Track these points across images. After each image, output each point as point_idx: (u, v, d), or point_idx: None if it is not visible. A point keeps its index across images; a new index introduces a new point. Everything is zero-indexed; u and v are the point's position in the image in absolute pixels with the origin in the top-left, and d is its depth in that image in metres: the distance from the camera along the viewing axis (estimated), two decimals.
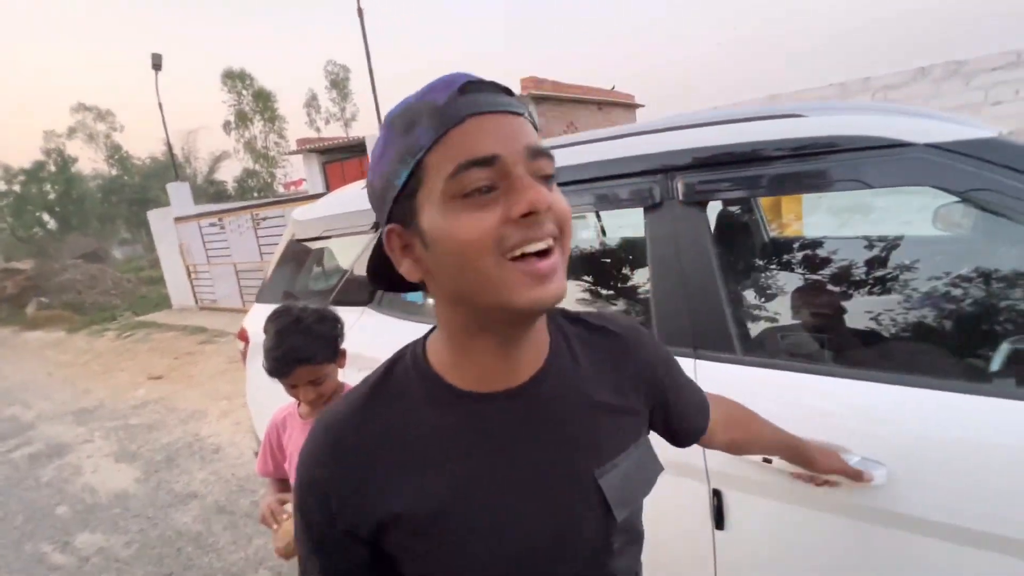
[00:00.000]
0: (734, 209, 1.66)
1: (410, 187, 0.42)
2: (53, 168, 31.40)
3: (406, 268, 0.46)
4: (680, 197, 1.11)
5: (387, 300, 1.67)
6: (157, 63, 9.04)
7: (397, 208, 0.44)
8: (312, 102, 33.39)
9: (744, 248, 1.55)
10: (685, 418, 0.65)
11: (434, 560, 0.46)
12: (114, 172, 32.98)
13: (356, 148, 13.12)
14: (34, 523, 2.92)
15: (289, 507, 1.08)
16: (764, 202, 2.41)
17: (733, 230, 1.53)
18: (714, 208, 1.62)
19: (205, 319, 8.15)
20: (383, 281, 0.54)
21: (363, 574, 0.48)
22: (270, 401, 2.00)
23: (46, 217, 32.25)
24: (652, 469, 0.56)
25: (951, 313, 1.19)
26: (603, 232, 2.37)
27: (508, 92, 0.44)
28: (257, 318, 2.12)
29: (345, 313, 1.36)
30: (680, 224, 1.11)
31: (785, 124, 1.04)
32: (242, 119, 30.35)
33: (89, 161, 32.52)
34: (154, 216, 9.44)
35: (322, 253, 2.14)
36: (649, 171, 1.14)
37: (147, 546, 2.55)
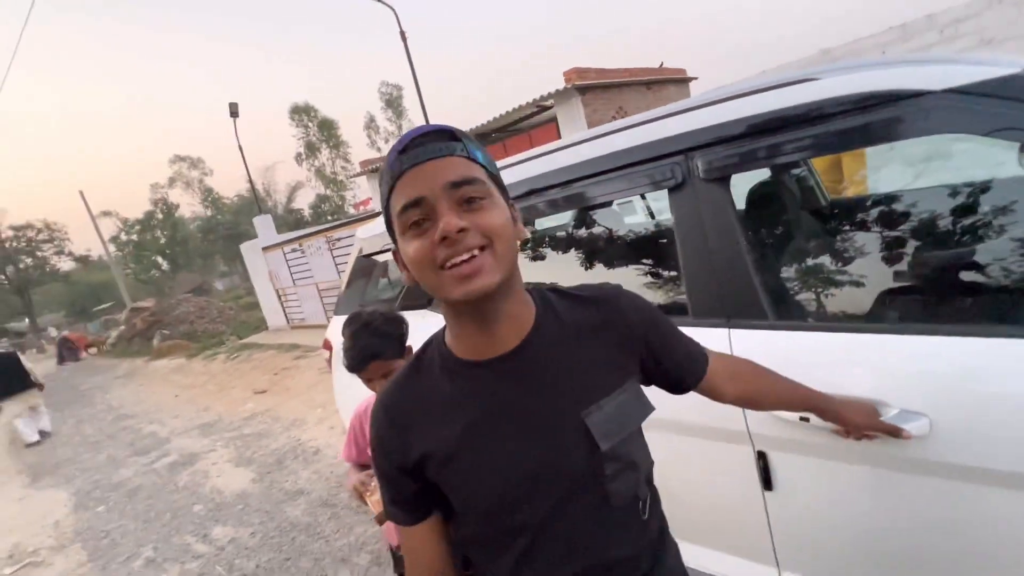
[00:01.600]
0: (773, 178, 1.65)
1: (388, 222, 0.61)
2: (160, 216, 35.51)
3: (406, 277, 0.62)
4: (701, 175, 1.15)
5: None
6: (234, 111, 10.07)
7: (391, 235, 0.61)
8: (371, 124, 35.19)
9: (781, 216, 1.54)
10: (678, 367, 0.74)
11: (455, 487, 0.62)
12: (208, 212, 36.66)
13: None
14: (179, 520, 3.43)
15: (375, 481, 1.25)
16: (819, 164, 2.32)
17: (767, 200, 1.52)
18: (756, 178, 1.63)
19: (296, 337, 8.95)
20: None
21: (415, 498, 0.66)
22: (355, 398, 2.25)
23: (159, 259, 36.57)
24: (638, 409, 0.67)
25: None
26: (651, 214, 2.39)
27: (449, 136, 0.58)
28: (337, 329, 2.38)
29: (409, 315, 1.53)
30: (704, 201, 1.15)
31: (798, 90, 1.05)
32: (311, 149, 32.64)
33: (187, 205, 36.46)
34: (246, 248, 10.50)
35: (387, 265, 2.36)
36: (668, 154, 1.19)
37: (267, 536, 2.92)
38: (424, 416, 0.63)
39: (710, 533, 1.21)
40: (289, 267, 9.23)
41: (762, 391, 0.84)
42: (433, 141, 0.57)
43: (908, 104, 0.92)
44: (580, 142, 1.40)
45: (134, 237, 34.40)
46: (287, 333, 9.71)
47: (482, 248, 0.55)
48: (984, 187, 1.52)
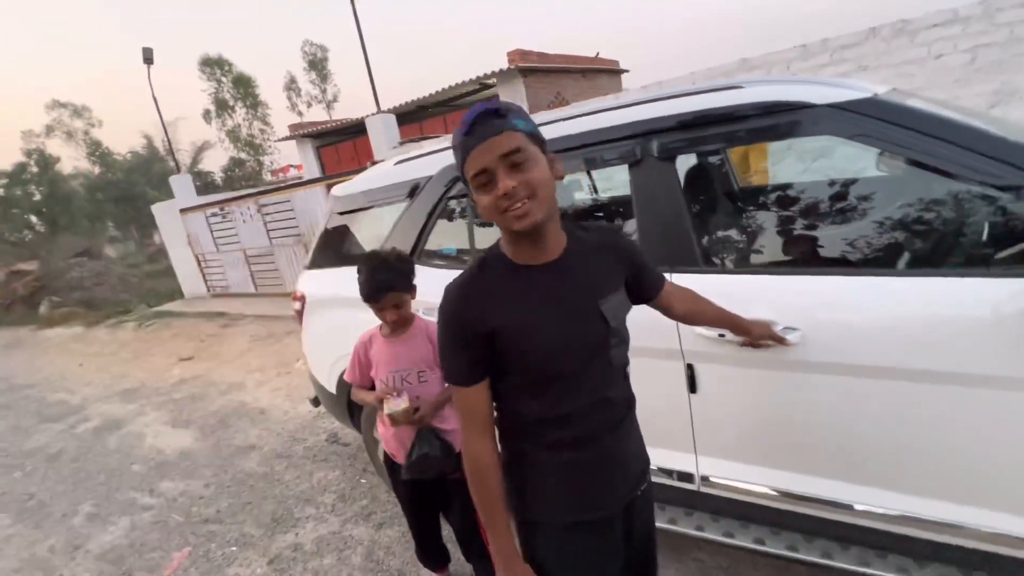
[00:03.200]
0: (704, 162, 2.04)
1: (464, 180, 0.88)
2: (35, 169, 30.89)
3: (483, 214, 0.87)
4: (655, 154, 1.48)
5: (425, 255, 2.05)
6: (148, 57, 9.12)
7: (467, 189, 0.88)
8: (292, 85, 32.85)
9: (710, 192, 1.94)
10: (647, 281, 1.09)
11: (518, 347, 0.89)
12: (97, 169, 32.47)
13: (349, 131, 13.22)
14: (116, 479, 3.35)
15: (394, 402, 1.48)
16: (734, 155, 2.79)
17: (701, 179, 1.92)
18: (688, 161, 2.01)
19: (220, 305, 8.51)
20: None
21: (479, 362, 0.91)
22: (322, 349, 2.41)
23: (34, 219, 31.90)
24: (627, 305, 1.01)
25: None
26: (595, 190, 2.74)
27: (496, 114, 0.83)
28: (310, 282, 2.50)
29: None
30: (656, 175, 1.49)
31: (730, 94, 1.40)
32: (223, 107, 29.89)
33: (70, 160, 32.03)
34: (159, 209, 9.66)
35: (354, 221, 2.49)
36: (632, 136, 1.51)
37: (223, 486, 2.98)
38: (494, 299, 0.89)
39: (647, 426, 1.59)
40: (212, 232, 8.69)
41: (698, 311, 1.20)
42: (487, 121, 0.82)
43: (801, 113, 1.30)
44: (553, 121, 1.68)
45: (0, 192, 29.66)
46: (207, 301, 9.16)
47: (529, 197, 0.81)
48: (847, 181, 2.02)
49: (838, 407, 1.28)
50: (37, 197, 30.73)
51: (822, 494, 1.34)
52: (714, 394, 1.45)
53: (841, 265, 1.51)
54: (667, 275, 1.44)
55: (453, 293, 0.91)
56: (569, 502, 0.97)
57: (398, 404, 1.43)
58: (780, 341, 1.25)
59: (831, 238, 1.62)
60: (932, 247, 1.45)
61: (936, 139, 1.16)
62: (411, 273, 1.53)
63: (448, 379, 0.95)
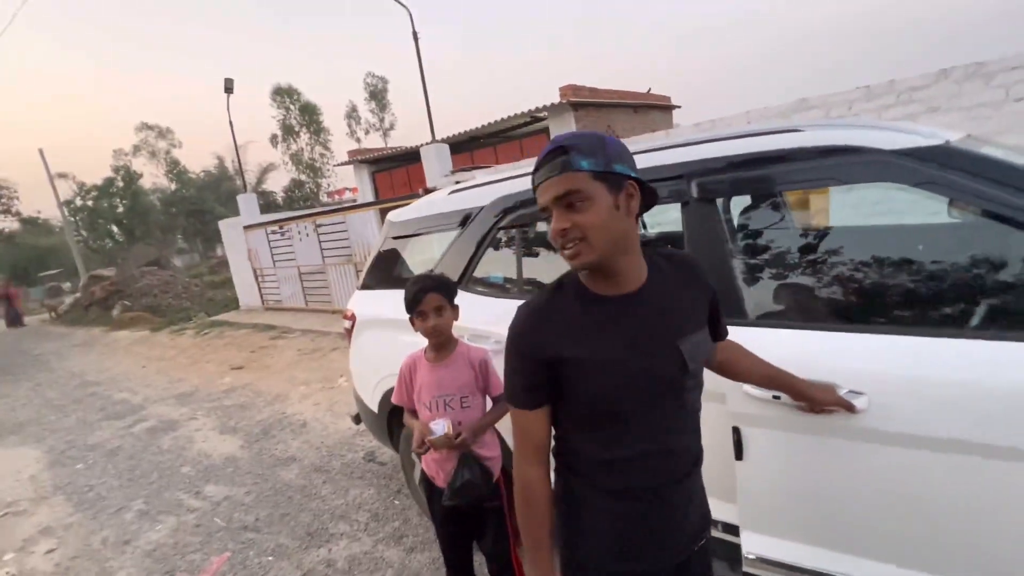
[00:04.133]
0: (759, 205, 2.01)
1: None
2: (121, 184, 33.86)
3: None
4: (706, 195, 1.47)
5: (472, 282, 2.10)
6: (229, 87, 9.98)
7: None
8: (352, 113, 34.84)
9: (764, 236, 1.90)
10: (719, 325, 1.05)
11: (578, 381, 0.87)
12: (173, 186, 35.24)
13: (403, 158, 13.82)
14: (166, 478, 3.52)
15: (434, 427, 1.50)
16: (792, 199, 2.72)
17: (755, 222, 1.88)
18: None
19: (272, 318, 8.92)
20: None
21: (540, 387, 0.89)
22: (367, 368, 2.47)
23: (115, 229, 34.78)
24: (709, 346, 0.97)
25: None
26: (644, 226, 2.73)
27: (564, 151, 0.83)
28: (361, 302, 2.60)
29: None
30: (707, 217, 1.47)
31: (787, 137, 1.39)
32: (289, 132, 31.99)
33: (150, 176, 34.98)
34: (225, 225, 10.36)
35: (406, 247, 2.58)
36: (684, 175, 1.51)
37: (263, 495, 3.07)
38: (563, 326, 0.87)
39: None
40: (271, 248, 9.20)
41: (737, 361, 1.14)
42: (552, 160, 0.83)
43: (865, 157, 1.26)
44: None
45: (89, 203, 32.65)
46: (261, 314, 9.64)
47: (580, 239, 0.82)
48: (918, 229, 1.92)
49: (908, 483, 1.16)
50: (120, 209, 33.63)
51: None
52: (762, 461, 1.34)
53: (910, 323, 1.41)
54: None
55: (522, 314, 0.91)
56: (619, 551, 0.93)
57: (439, 429, 1.45)
58: (848, 408, 1.15)
59: (893, 291, 1.54)
60: (1011, 306, 1.35)
61: (1015, 189, 1.11)
62: (454, 288, 1.59)
63: (510, 400, 0.94)
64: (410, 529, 2.48)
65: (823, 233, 2.37)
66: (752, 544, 1.39)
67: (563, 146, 0.84)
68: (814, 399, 1.16)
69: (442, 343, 1.60)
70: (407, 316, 1.60)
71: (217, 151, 36.20)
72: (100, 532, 2.95)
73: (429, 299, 1.53)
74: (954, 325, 1.32)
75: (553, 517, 0.93)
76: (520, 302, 0.97)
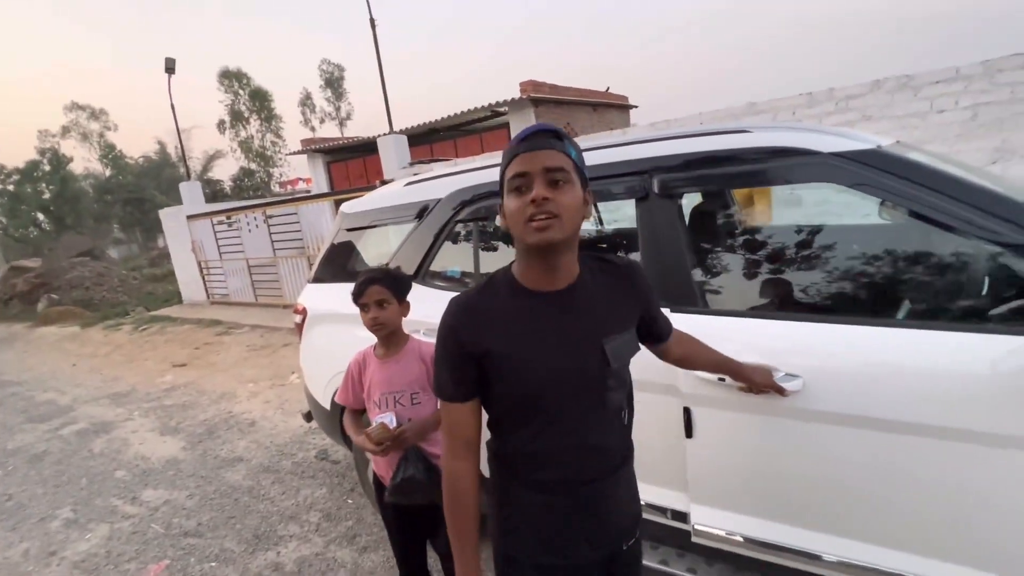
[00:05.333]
0: (709, 202, 2.08)
1: (501, 185, 0.88)
2: (47, 168, 31.29)
3: (501, 222, 0.88)
4: (661, 192, 1.51)
5: (429, 276, 2.06)
6: (170, 67, 9.35)
7: (502, 190, 0.87)
8: (307, 101, 33.58)
9: (714, 232, 1.97)
10: (657, 326, 1.08)
11: (505, 375, 0.87)
12: (108, 172, 32.88)
13: (360, 148, 13.44)
14: (98, 484, 3.29)
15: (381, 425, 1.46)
16: (739, 197, 2.83)
17: (705, 218, 1.95)
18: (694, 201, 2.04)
19: (218, 313, 8.49)
20: None
21: (470, 381, 0.89)
22: (319, 364, 2.40)
23: (40, 217, 32.12)
24: (633, 347, 0.98)
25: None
26: (600, 222, 2.77)
27: (555, 135, 0.85)
28: (312, 296, 2.51)
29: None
30: (661, 212, 1.51)
31: (737, 137, 1.44)
32: (237, 118, 30.46)
33: (82, 161, 32.51)
34: (166, 215, 9.75)
35: (360, 239, 2.51)
36: (640, 172, 1.54)
37: (207, 498, 2.93)
38: (492, 321, 0.87)
39: (641, 468, 1.57)
40: (217, 239, 8.74)
41: (694, 354, 1.19)
42: (544, 137, 0.84)
43: (806, 159, 1.33)
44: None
45: (11, 187, 29.99)
46: (206, 308, 9.15)
47: (555, 215, 0.80)
48: (852, 228, 2.05)
49: (838, 458, 1.25)
50: (46, 195, 31.04)
51: (820, 549, 1.30)
52: (709, 439, 1.41)
53: (844, 312, 1.51)
54: (667, 312, 1.46)
55: (453, 308, 0.91)
56: (543, 543, 0.94)
57: (379, 420, 1.43)
58: (779, 391, 1.23)
59: (830, 284, 1.63)
60: (932, 299, 1.46)
61: (938, 192, 1.19)
62: (403, 283, 1.56)
63: (437, 392, 0.94)
64: (364, 528, 2.43)
65: (771, 231, 2.48)
66: (700, 516, 1.46)
67: (555, 130, 0.86)
68: (752, 380, 1.23)
69: (391, 338, 1.56)
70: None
71: (159, 136, 34.00)
72: (20, 544, 2.72)
73: (371, 291, 1.49)
74: (883, 315, 1.42)
75: (478, 510, 0.93)
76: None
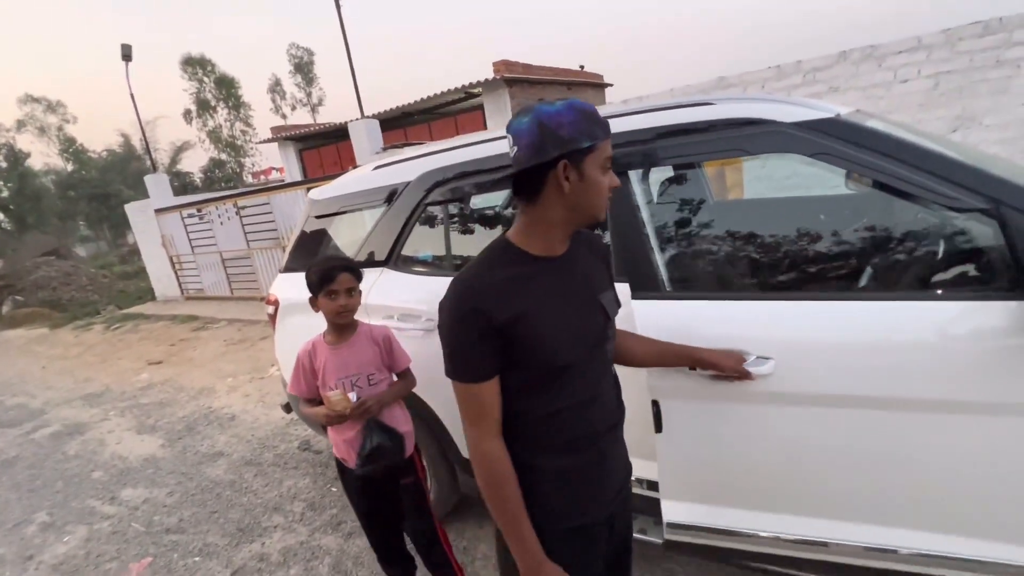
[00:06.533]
0: (676, 176, 2.08)
1: (586, 150, 0.86)
2: (3, 164, 29.91)
3: (557, 183, 0.87)
4: (625, 167, 1.50)
5: (401, 260, 2.04)
6: (127, 53, 8.92)
7: (570, 155, 0.85)
8: (276, 87, 32.57)
9: (680, 209, 1.98)
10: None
11: (529, 339, 0.88)
12: (69, 167, 31.57)
13: (332, 135, 13.12)
14: (74, 486, 3.22)
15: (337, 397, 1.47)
16: (709, 171, 2.85)
17: (672, 193, 1.95)
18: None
19: (194, 308, 8.31)
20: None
21: (494, 356, 0.88)
22: (295, 354, 2.36)
23: (0, 216, 30.79)
24: (618, 301, 1.05)
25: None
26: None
27: (608, 126, 0.90)
28: (284, 285, 2.47)
29: (366, 272, 1.73)
30: (624, 188, 1.50)
31: (700, 110, 1.44)
32: (204, 107, 29.43)
33: (41, 156, 31.09)
34: (133, 209, 9.42)
35: (331, 225, 2.47)
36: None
37: (188, 494, 2.90)
38: (511, 288, 0.88)
39: None
40: (188, 233, 8.50)
41: (635, 348, 1.20)
42: (608, 126, 0.90)
43: (766, 129, 1.33)
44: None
45: None
46: (181, 304, 8.94)
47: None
48: (821, 200, 2.08)
49: (817, 438, 1.25)
50: (4, 193, 29.70)
51: (801, 533, 1.31)
52: (680, 432, 1.39)
53: (810, 288, 1.51)
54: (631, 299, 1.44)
55: (462, 287, 0.89)
56: (564, 508, 0.96)
57: (339, 395, 1.45)
58: (745, 376, 1.22)
59: (802, 260, 1.64)
60: (889, 269, 1.48)
61: (894, 159, 1.20)
62: (360, 271, 1.57)
63: (461, 377, 0.89)
64: (348, 515, 2.43)
65: (735, 205, 2.51)
66: (673, 513, 1.46)
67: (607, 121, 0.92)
68: (720, 366, 1.22)
69: (346, 324, 1.57)
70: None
71: (122, 129, 32.69)
72: None
73: (342, 279, 1.50)
74: (845, 289, 1.44)
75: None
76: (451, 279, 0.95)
